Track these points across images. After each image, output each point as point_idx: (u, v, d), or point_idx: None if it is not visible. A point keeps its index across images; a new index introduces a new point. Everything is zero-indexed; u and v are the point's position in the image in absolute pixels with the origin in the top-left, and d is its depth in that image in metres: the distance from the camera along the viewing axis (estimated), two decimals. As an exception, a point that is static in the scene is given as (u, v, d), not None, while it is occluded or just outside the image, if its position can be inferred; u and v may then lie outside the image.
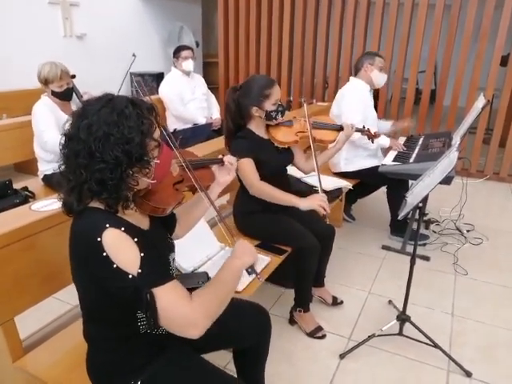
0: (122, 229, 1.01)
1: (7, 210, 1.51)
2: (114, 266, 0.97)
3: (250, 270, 1.18)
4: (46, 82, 2.64)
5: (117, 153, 0.97)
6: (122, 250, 0.99)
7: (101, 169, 0.98)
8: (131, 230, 1.03)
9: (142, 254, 1.00)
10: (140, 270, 0.98)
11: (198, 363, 1.25)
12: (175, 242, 1.34)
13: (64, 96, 2.71)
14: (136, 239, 1.02)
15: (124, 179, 1.01)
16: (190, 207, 1.44)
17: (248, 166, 2.01)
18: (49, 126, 2.65)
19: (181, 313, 1.00)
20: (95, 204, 1.04)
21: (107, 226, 0.99)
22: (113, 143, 0.97)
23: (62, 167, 1.05)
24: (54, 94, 2.69)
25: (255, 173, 2.02)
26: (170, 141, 1.23)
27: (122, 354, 1.15)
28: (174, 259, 1.28)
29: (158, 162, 1.08)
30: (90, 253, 0.99)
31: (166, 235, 1.29)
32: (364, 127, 2.51)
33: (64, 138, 1.03)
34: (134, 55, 2.86)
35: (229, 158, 1.48)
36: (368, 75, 3.02)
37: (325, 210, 1.94)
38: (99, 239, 0.97)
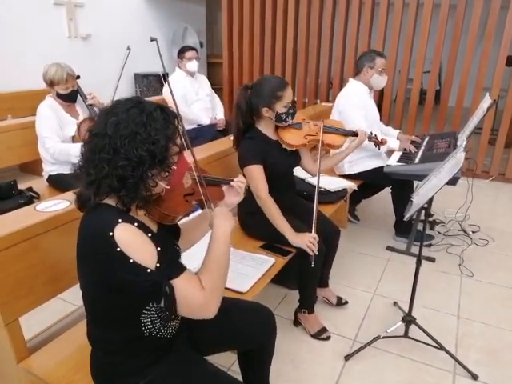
0: (136, 224, 1.03)
1: (12, 210, 1.51)
2: (131, 260, 0.98)
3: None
4: (51, 83, 2.65)
5: (141, 152, 1.00)
6: (137, 245, 1.00)
7: (123, 166, 0.99)
8: (143, 228, 1.05)
9: (159, 249, 1.02)
10: (158, 264, 1.00)
11: (201, 366, 1.25)
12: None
13: (69, 98, 2.72)
14: (150, 234, 1.04)
15: (144, 179, 1.03)
16: (195, 224, 1.44)
17: (256, 174, 1.99)
18: (51, 132, 2.64)
19: (198, 299, 1.05)
20: (109, 201, 1.05)
21: (120, 220, 1.00)
22: (138, 142, 1.00)
23: (81, 162, 1.06)
24: (59, 95, 2.69)
25: (264, 183, 2.00)
26: (191, 152, 1.25)
27: (126, 356, 1.15)
28: None
29: (175, 168, 1.10)
30: (101, 248, 0.99)
31: (173, 241, 1.29)
32: (372, 133, 2.49)
33: (88, 134, 1.05)
34: (128, 48, 2.83)
35: (239, 180, 1.44)
36: (367, 78, 3.00)
37: (313, 251, 1.90)
38: (111, 234, 0.98)
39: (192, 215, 1.79)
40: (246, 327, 1.42)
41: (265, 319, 1.48)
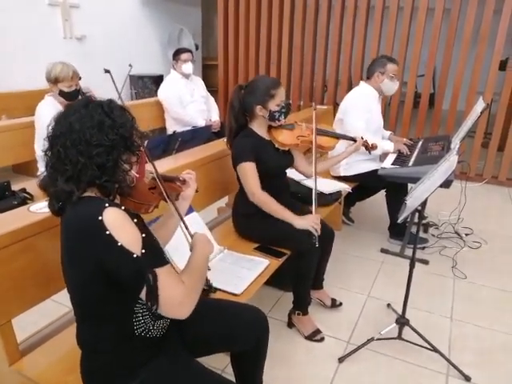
0: (123, 208, 1.06)
1: (5, 211, 1.50)
2: (119, 244, 0.99)
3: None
4: (55, 80, 2.65)
5: (112, 136, 1.06)
6: (124, 229, 1.02)
7: (99, 153, 1.04)
8: (129, 213, 1.07)
9: (144, 235, 1.04)
10: (144, 250, 1.02)
11: (192, 367, 1.24)
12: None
13: (71, 97, 2.71)
14: (135, 220, 1.06)
15: (118, 164, 1.08)
16: (162, 223, 1.46)
17: (249, 171, 2.01)
18: None
19: (177, 293, 1.06)
20: (90, 194, 1.08)
21: (107, 205, 1.03)
22: (107, 128, 1.06)
23: (50, 167, 1.09)
24: (61, 93, 2.69)
25: (257, 179, 2.02)
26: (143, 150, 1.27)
27: (116, 357, 1.15)
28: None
29: (139, 155, 1.16)
30: (91, 234, 1.01)
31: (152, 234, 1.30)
32: (362, 138, 2.52)
33: (51, 138, 1.08)
34: (130, 65, 2.89)
35: (186, 172, 1.50)
36: (378, 84, 3.02)
37: (317, 231, 1.97)
38: (100, 218, 1.00)
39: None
40: (238, 329, 1.42)
41: (257, 321, 1.48)
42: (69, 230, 1.07)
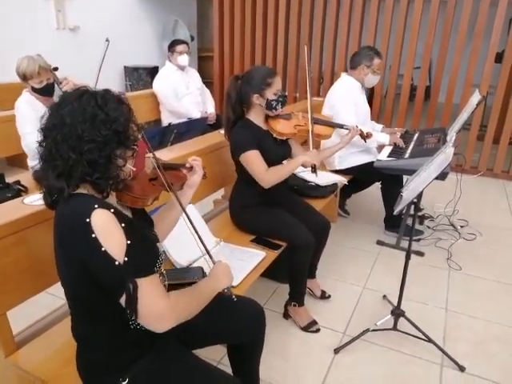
0: (112, 210, 1.02)
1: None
2: (103, 249, 0.97)
3: (227, 289, 1.27)
4: (24, 77, 2.51)
5: (105, 131, 1.01)
6: (110, 234, 0.99)
7: (90, 149, 1.00)
8: (119, 215, 1.04)
9: (129, 242, 1.00)
10: (126, 258, 0.99)
11: (187, 360, 1.24)
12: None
13: (44, 92, 2.57)
14: (123, 224, 1.02)
15: (112, 159, 1.04)
16: (164, 212, 1.44)
17: (255, 158, 2.00)
18: (31, 128, 2.49)
19: (157, 306, 1.03)
20: (83, 191, 1.05)
21: (96, 206, 1.00)
22: (99, 123, 1.01)
23: (42, 160, 1.06)
24: (34, 89, 2.56)
25: (264, 164, 2.01)
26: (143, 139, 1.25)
27: (110, 351, 1.14)
28: (161, 249, 1.29)
29: (137, 149, 1.12)
30: (78, 234, 0.99)
31: (150, 228, 1.30)
32: (357, 127, 2.51)
33: (44, 129, 1.04)
34: (107, 40, 2.74)
35: (193, 158, 1.48)
36: (362, 76, 3.01)
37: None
38: (88, 220, 0.97)
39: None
40: (235, 322, 1.42)
41: (255, 314, 1.48)
42: (59, 226, 1.05)
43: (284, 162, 2.27)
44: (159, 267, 1.20)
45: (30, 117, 2.55)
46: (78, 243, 0.99)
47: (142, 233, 1.13)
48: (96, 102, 1.02)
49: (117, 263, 0.97)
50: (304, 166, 2.29)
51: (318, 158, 2.11)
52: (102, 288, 1.02)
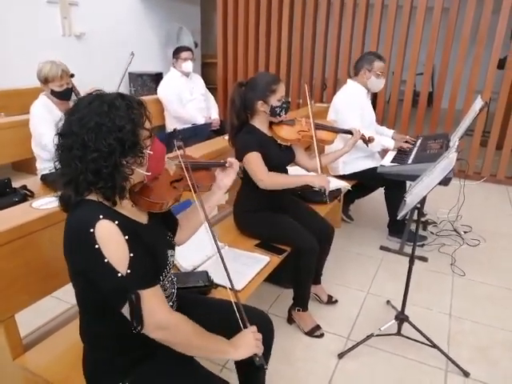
0: (116, 222, 1.01)
1: (6, 208, 1.51)
2: (105, 260, 0.98)
3: (258, 358, 1.19)
4: (45, 80, 2.63)
5: (109, 141, 0.99)
6: (114, 246, 0.99)
7: (94, 158, 0.99)
8: (125, 226, 1.03)
9: (132, 255, 1.01)
10: (129, 271, 1.00)
11: (188, 365, 1.22)
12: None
13: (63, 96, 2.70)
14: (127, 237, 1.02)
15: (118, 168, 1.02)
16: (191, 213, 1.43)
17: (256, 159, 2.01)
18: (47, 128, 2.59)
19: (158, 315, 1.04)
20: (92, 197, 1.05)
21: (101, 217, 1.00)
22: (105, 132, 1.00)
23: (57, 164, 1.06)
24: (53, 93, 2.67)
25: (264, 166, 2.02)
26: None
27: (114, 353, 1.15)
28: (172, 255, 1.27)
29: (152, 153, 1.10)
30: (82, 244, 1.00)
31: (166, 233, 1.29)
32: (359, 131, 2.53)
33: (58, 136, 1.04)
34: (132, 54, 2.85)
35: (230, 160, 1.46)
36: (365, 80, 3.03)
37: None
38: (92, 230, 0.98)
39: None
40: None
41: (263, 325, 1.41)
42: (65, 233, 1.06)
43: (287, 167, 2.29)
44: (166, 275, 1.20)
45: (45, 119, 2.65)
46: (81, 252, 1.01)
47: (149, 243, 1.11)
48: (103, 108, 1.01)
49: (119, 275, 0.98)
50: (308, 169, 2.32)
51: (326, 182, 2.07)
52: (105, 296, 1.03)
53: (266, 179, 2.02)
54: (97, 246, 0.97)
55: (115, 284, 0.99)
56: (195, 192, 1.23)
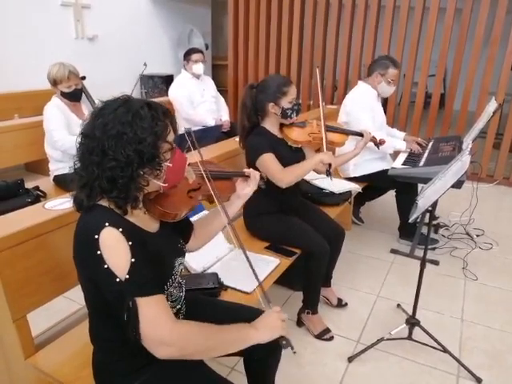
0: (120, 230, 1.00)
1: (19, 208, 1.53)
2: (105, 266, 0.98)
3: (285, 342, 1.13)
4: (54, 82, 2.68)
5: (129, 152, 0.99)
6: (114, 252, 0.99)
7: (112, 167, 0.99)
8: (130, 233, 1.02)
9: (133, 260, 0.99)
10: (128, 276, 0.98)
11: (197, 369, 1.22)
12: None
13: (72, 96, 2.74)
14: (130, 243, 1.00)
15: (134, 179, 1.02)
16: (208, 220, 1.42)
17: (271, 159, 2.01)
18: (59, 125, 2.69)
19: (157, 329, 0.99)
20: (104, 202, 1.05)
21: (106, 224, 0.99)
22: (125, 142, 0.99)
23: (77, 164, 1.06)
24: (62, 94, 2.72)
25: (279, 165, 2.01)
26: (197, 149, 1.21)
27: (123, 355, 1.15)
28: (181, 263, 1.25)
29: (171, 165, 1.09)
30: (86, 250, 1.00)
31: (177, 240, 1.28)
32: (370, 133, 2.51)
33: (80, 136, 1.04)
34: (145, 64, 2.90)
35: (251, 171, 1.44)
36: (375, 84, 3.01)
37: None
38: (96, 236, 0.98)
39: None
40: None
41: None
42: (74, 238, 1.06)
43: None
44: (171, 283, 1.18)
45: (57, 117, 2.71)
46: (86, 257, 1.02)
47: (155, 252, 1.09)
48: (127, 117, 1.00)
49: (118, 280, 0.97)
50: (318, 171, 2.30)
51: (333, 158, 2.08)
52: (108, 302, 1.03)
53: (286, 177, 2.00)
54: (99, 252, 0.98)
55: (114, 289, 0.98)
56: (213, 202, 1.21)
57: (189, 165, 1.29)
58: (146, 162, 1.01)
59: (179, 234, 1.30)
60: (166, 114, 1.08)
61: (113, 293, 0.99)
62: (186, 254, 1.61)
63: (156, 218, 1.17)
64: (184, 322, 1.06)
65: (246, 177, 1.44)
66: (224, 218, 1.25)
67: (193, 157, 1.31)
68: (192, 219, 1.44)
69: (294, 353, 1.15)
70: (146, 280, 1.01)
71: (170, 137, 1.08)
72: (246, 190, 1.42)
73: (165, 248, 1.17)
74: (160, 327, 0.99)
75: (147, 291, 1.00)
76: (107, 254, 0.98)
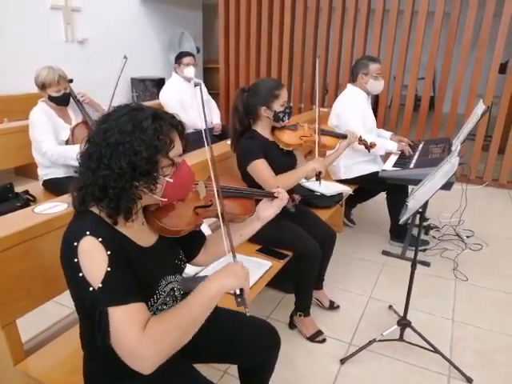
0: (100, 239, 0.97)
1: (9, 213, 1.51)
2: (80, 274, 0.95)
3: (240, 299, 1.02)
4: (43, 86, 2.61)
5: (122, 163, 0.96)
6: (91, 261, 0.96)
7: (105, 175, 0.97)
8: (112, 243, 0.99)
9: (109, 269, 0.95)
10: (101, 285, 0.94)
11: (186, 376, 1.19)
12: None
13: (61, 101, 2.68)
14: (109, 252, 0.97)
15: (127, 190, 0.99)
16: (220, 239, 1.33)
17: (263, 166, 2.01)
18: (46, 135, 2.60)
19: (130, 340, 0.92)
20: (96, 209, 1.02)
21: (87, 233, 0.97)
22: (120, 152, 0.97)
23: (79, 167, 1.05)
24: (50, 98, 2.65)
25: (271, 172, 2.02)
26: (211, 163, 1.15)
27: (109, 362, 1.11)
28: (170, 283, 1.17)
29: (171, 181, 1.05)
30: (66, 256, 0.99)
31: (175, 255, 1.22)
32: (361, 137, 2.53)
33: (86, 139, 1.03)
34: (125, 57, 2.83)
35: (281, 191, 1.36)
36: (363, 85, 3.04)
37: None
38: (75, 244, 0.96)
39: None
40: (248, 344, 1.36)
41: (269, 337, 1.41)
42: (62, 239, 1.03)
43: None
44: (153, 304, 1.11)
45: (44, 126, 2.63)
46: (66, 264, 1.00)
47: (139, 265, 1.05)
48: (128, 127, 0.97)
49: (91, 289, 0.95)
50: (307, 177, 2.31)
51: (324, 166, 2.14)
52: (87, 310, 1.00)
53: (277, 184, 2.00)
54: (76, 260, 0.95)
55: (87, 297, 0.96)
56: (223, 222, 1.09)
57: (207, 179, 1.20)
58: (138, 175, 0.98)
59: (184, 246, 1.25)
60: (176, 127, 1.05)
61: (88, 301, 0.97)
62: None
63: (154, 232, 1.13)
64: (153, 321, 0.96)
65: (274, 197, 1.35)
66: (226, 245, 1.13)
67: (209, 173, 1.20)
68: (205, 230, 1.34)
69: (247, 313, 1.04)
70: (119, 289, 0.96)
71: (174, 152, 1.04)
72: (267, 211, 1.33)
73: (153, 264, 1.11)
74: (128, 339, 0.92)
75: (119, 300, 0.94)
76: (84, 262, 0.96)
